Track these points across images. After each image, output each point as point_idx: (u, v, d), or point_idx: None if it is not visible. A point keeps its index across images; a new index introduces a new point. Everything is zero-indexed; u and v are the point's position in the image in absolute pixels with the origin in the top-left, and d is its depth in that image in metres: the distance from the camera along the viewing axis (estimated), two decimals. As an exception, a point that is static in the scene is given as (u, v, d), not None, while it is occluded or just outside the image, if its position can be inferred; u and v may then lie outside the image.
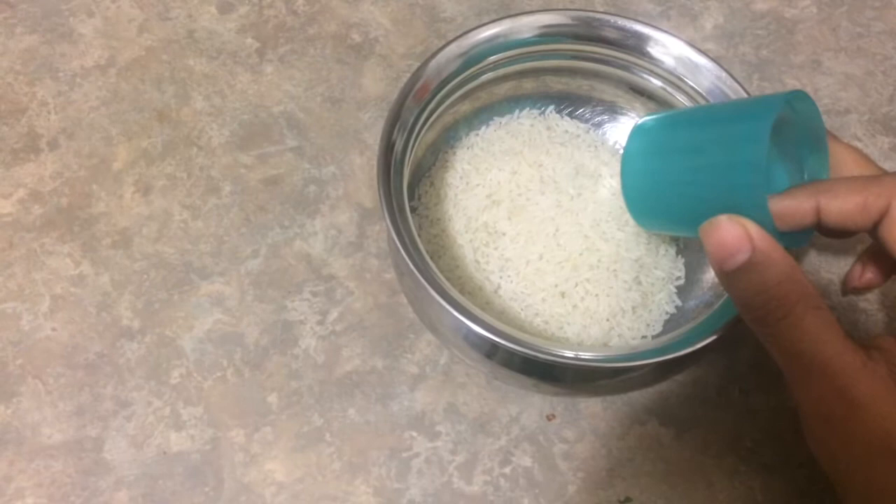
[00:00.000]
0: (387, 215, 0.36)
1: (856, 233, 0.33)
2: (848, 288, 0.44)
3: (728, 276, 0.31)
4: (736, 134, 0.34)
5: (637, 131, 0.40)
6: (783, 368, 0.31)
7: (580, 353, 0.35)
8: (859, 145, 0.50)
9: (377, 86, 0.50)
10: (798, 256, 0.46)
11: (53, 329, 0.42)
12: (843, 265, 0.46)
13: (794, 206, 0.32)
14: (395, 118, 0.38)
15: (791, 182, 0.36)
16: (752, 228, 0.31)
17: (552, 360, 0.35)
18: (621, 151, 0.40)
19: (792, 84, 0.52)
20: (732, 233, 0.31)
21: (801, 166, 0.36)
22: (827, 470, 0.31)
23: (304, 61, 0.51)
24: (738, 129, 0.34)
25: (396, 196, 0.37)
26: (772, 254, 0.30)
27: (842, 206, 0.32)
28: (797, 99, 0.34)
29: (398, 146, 0.38)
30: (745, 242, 0.30)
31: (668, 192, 0.38)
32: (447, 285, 0.36)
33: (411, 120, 0.39)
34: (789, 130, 0.35)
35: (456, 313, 0.35)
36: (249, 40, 0.51)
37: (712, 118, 0.37)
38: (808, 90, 0.52)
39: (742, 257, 0.30)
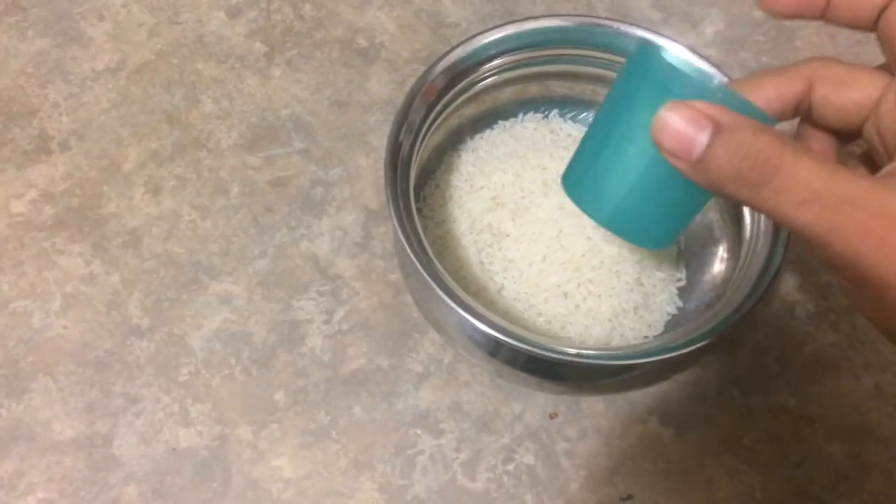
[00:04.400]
0: (393, 214, 0.37)
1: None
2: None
3: (703, 163, 0.28)
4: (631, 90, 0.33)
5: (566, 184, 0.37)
6: (807, 230, 0.27)
7: (582, 351, 0.36)
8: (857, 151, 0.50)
9: (383, 90, 0.51)
10: (797, 260, 0.47)
11: (64, 327, 0.43)
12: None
13: None
14: (402, 119, 0.39)
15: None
16: (698, 104, 0.29)
17: (555, 358, 0.35)
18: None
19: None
20: (683, 117, 0.28)
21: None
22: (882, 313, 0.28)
23: (311, 65, 0.52)
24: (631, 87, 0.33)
25: (403, 196, 0.37)
26: (730, 117, 0.28)
27: None
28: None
29: (405, 147, 0.39)
30: (701, 118, 0.28)
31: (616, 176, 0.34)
32: (453, 284, 0.36)
33: (418, 121, 0.40)
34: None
35: (461, 311, 0.35)
36: (257, 44, 0.52)
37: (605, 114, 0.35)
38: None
39: (706, 133, 0.28)
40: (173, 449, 0.40)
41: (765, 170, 0.27)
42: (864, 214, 0.26)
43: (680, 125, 0.29)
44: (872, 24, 0.32)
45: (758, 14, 0.55)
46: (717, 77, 0.42)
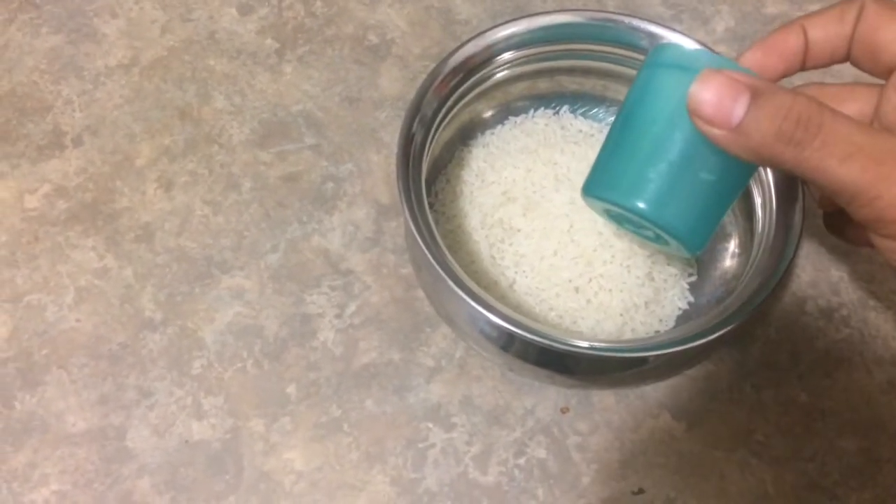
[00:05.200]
0: (405, 206, 0.37)
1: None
2: None
3: (743, 127, 0.29)
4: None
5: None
6: (853, 184, 0.28)
7: (595, 343, 0.36)
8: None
9: (394, 86, 0.51)
10: (808, 255, 0.47)
11: (78, 320, 0.43)
12: (852, 263, 0.46)
13: (783, 37, 0.33)
14: (415, 112, 0.39)
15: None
16: (729, 71, 0.29)
17: (567, 350, 0.35)
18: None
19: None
20: (718, 85, 0.29)
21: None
22: None
23: (323, 62, 0.52)
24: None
25: (415, 188, 0.38)
26: (764, 82, 0.29)
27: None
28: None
29: (417, 139, 0.39)
30: (736, 84, 0.29)
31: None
32: (465, 277, 0.37)
33: (430, 114, 0.40)
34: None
35: (473, 304, 0.35)
36: (269, 41, 0.52)
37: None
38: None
39: (744, 98, 0.28)
40: (186, 441, 0.40)
41: (809, 127, 0.28)
42: None
43: (716, 94, 0.29)
44: (847, 54, 0.33)
45: (768, 11, 0.55)
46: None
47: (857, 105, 0.34)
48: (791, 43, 0.33)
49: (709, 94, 0.29)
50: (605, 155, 0.36)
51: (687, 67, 0.32)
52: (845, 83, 0.34)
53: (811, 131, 0.28)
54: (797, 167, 0.29)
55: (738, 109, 0.29)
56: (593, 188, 0.36)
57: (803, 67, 0.34)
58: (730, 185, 0.34)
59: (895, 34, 0.31)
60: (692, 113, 0.30)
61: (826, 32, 0.33)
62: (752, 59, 0.34)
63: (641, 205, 0.34)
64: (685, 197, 0.34)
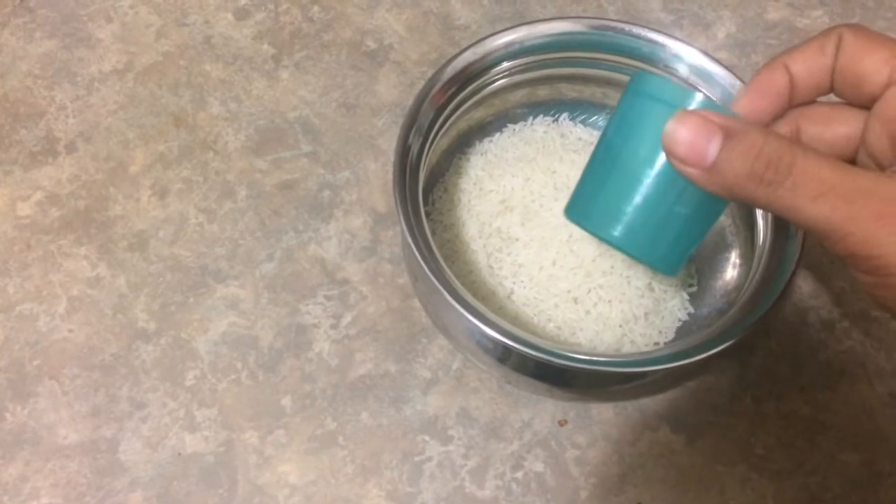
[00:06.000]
0: (402, 218, 0.36)
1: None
2: None
3: (717, 167, 0.29)
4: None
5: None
6: (824, 223, 0.28)
7: (593, 358, 0.35)
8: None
9: (391, 92, 0.51)
10: (810, 266, 0.46)
11: (70, 330, 0.42)
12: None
13: (768, 77, 0.33)
14: (411, 122, 0.39)
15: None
16: (703, 112, 0.30)
17: (565, 365, 0.35)
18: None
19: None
20: (692, 126, 0.29)
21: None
22: None
23: (320, 67, 0.51)
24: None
25: (412, 199, 0.37)
26: (736, 121, 0.29)
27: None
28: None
29: (414, 150, 0.39)
30: (710, 125, 0.29)
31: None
32: (461, 289, 0.36)
33: (427, 124, 0.39)
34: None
35: (470, 316, 0.35)
36: (265, 46, 0.52)
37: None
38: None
39: (717, 139, 0.29)
40: (179, 454, 0.40)
41: (779, 168, 0.28)
42: (878, 202, 0.27)
43: (690, 134, 0.30)
44: (831, 86, 0.33)
45: (770, 17, 0.55)
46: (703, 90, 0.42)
47: (844, 128, 0.34)
48: (778, 82, 0.34)
49: (683, 134, 0.30)
50: (584, 181, 0.37)
51: (666, 101, 0.32)
52: (834, 103, 0.34)
53: (782, 172, 0.28)
54: (770, 205, 0.29)
55: (712, 150, 0.29)
56: (571, 214, 0.37)
57: (791, 104, 0.34)
58: (704, 216, 0.35)
59: (875, 64, 0.31)
60: (667, 152, 0.31)
61: (808, 66, 0.33)
62: (744, 103, 0.34)
63: (615, 234, 0.34)
64: (659, 228, 0.34)
